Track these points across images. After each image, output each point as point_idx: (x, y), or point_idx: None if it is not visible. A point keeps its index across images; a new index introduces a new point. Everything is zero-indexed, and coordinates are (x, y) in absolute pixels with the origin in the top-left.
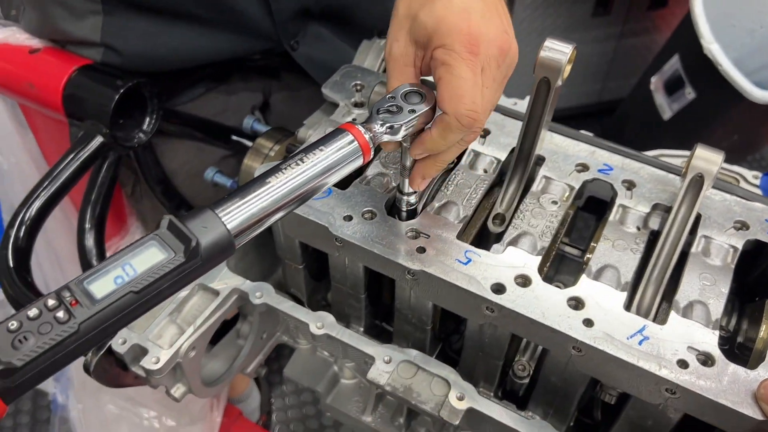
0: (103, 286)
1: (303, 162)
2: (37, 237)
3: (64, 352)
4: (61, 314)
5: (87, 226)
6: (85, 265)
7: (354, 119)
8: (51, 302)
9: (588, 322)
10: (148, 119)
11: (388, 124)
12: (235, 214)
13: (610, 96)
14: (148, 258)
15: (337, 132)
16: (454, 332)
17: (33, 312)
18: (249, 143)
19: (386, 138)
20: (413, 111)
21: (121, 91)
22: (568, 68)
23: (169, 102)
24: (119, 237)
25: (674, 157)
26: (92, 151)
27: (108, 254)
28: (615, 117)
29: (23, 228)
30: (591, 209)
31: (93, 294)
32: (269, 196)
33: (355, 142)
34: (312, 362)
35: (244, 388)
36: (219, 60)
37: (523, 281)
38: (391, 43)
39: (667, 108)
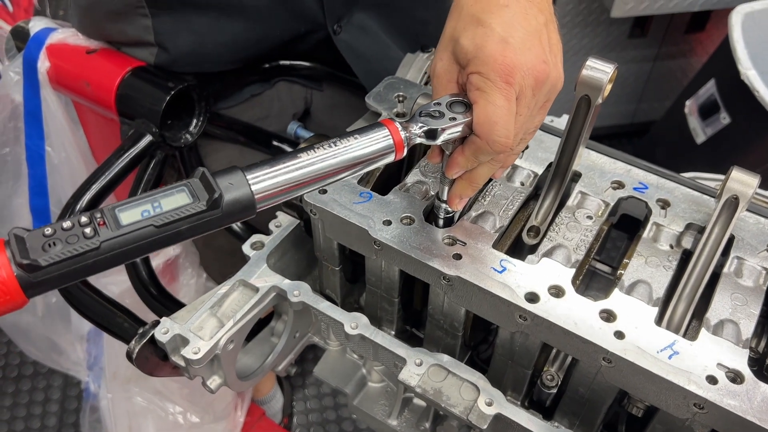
0: (131, 215)
1: (335, 145)
2: None
3: (83, 263)
4: (88, 230)
5: None
6: None
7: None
8: (83, 219)
9: (619, 335)
10: (195, 121)
11: (426, 127)
12: (261, 179)
13: (643, 117)
14: (175, 201)
15: (376, 125)
16: (483, 341)
17: (67, 224)
18: (289, 149)
19: (421, 140)
20: (454, 119)
21: (172, 92)
22: (609, 87)
23: (215, 105)
24: None
25: (709, 180)
26: (141, 149)
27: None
28: (647, 139)
29: None
30: (624, 227)
31: (120, 220)
32: (297, 169)
33: (390, 138)
34: (341, 364)
35: (269, 390)
36: (265, 50)
37: (557, 292)
38: (436, 60)
39: (700, 132)
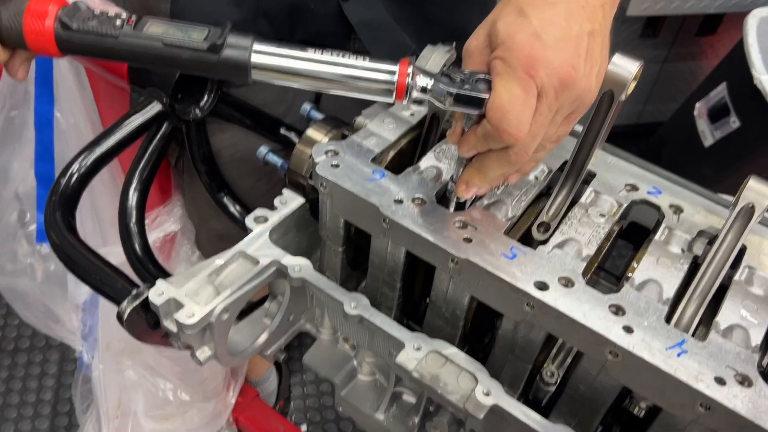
0: (155, 28)
1: (343, 57)
2: (84, 190)
3: (100, 43)
4: (118, 22)
5: (132, 187)
6: (123, 225)
7: (412, 114)
8: (124, 15)
9: (628, 329)
10: (206, 97)
11: (437, 85)
12: (264, 53)
13: (650, 118)
14: (190, 34)
15: (391, 61)
16: (483, 336)
17: (111, 13)
18: (296, 139)
19: (426, 97)
20: (469, 90)
21: None
22: (633, 85)
23: (226, 84)
24: (162, 206)
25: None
26: (149, 118)
27: (148, 223)
28: (653, 140)
29: (73, 178)
30: (631, 236)
31: (145, 27)
32: (299, 60)
33: (394, 77)
34: (332, 354)
35: (264, 371)
36: (274, 15)
37: (566, 282)
38: (471, 38)
39: (709, 135)
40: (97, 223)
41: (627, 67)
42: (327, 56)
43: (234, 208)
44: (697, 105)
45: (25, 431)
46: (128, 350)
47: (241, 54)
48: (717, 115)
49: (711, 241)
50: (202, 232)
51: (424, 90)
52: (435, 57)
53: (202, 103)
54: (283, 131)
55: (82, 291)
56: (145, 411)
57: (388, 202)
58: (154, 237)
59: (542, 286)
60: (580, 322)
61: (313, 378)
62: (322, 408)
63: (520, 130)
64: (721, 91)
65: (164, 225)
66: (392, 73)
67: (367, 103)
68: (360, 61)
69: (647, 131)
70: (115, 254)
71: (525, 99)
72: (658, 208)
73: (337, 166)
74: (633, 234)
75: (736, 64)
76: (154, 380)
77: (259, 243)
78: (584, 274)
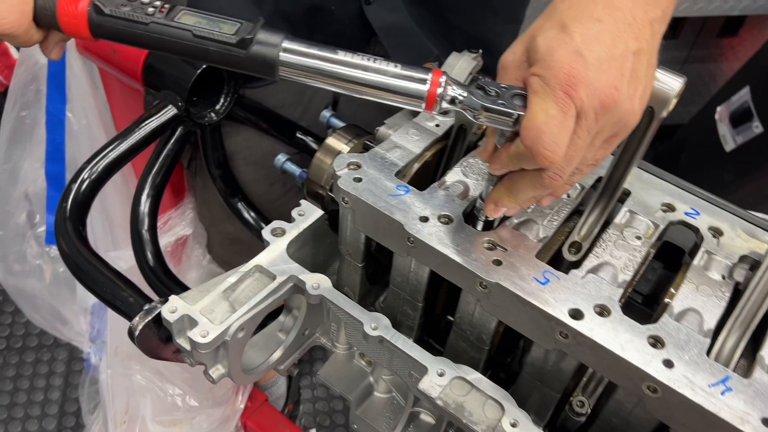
0: (187, 18)
1: (373, 62)
2: (96, 196)
3: (131, 30)
4: (150, 10)
5: (144, 193)
6: (135, 232)
7: (438, 125)
8: (157, 3)
9: (668, 363)
10: (222, 100)
11: (470, 97)
12: (295, 51)
13: (668, 121)
14: (221, 27)
15: (424, 69)
16: (508, 358)
17: (146, 0)
18: (313, 144)
19: (457, 108)
20: (503, 105)
21: (202, 68)
22: (674, 102)
23: (243, 84)
24: (174, 209)
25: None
26: (164, 121)
27: (159, 226)
28: (672, 142)
29: (85, 184)
30: (663, 256)
31: (177, 16)
32: (328, 62)
33: (426, 86)
34: (347, 370)
35: (273, 374)
36: (293, 14)
37: (602, 310)
38: (508, 52)
39: (730, 139)
40: (107, 225)
41: (670, 83)
42: (358, 59)
43: (248, 215)
44: (719, 109)
45: (32, 431)
46: (136, 354)
47: (270, 51)
48: (739, 119)
49: (753, 267)
50: (214, 234)
51: (453, 101)
52: (461, 64)
53: (218, 107)
54: (299, 135)
55: (90, 294)
56: (153, 416)
57: (413, 219)
58: (165, 241)
59: (577, 315)
60: (617, 355)
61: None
62: (331, 412)
63: (555, 152)
64: (744, 95)
65: (176, 228)
66: (424, 81)
67: (387, 107)
68: (391, 67)
69: (666, 134)
70: (125, 258)
71: (562, 120)
72: (696, 230)
73: (359, 179)
74: (665, 253)
75: (760, 68)
76: (163, 385)
77: (276, 257)
78: (620, 299)
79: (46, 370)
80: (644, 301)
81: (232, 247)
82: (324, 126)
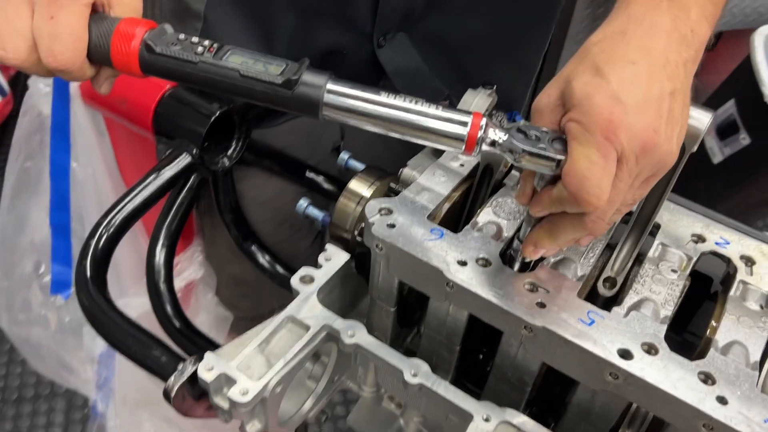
0: (235, 58)
1: (415, 103)
2: (114, 251)
3: (180, 68)
4: (200, 49)
5: (159, 244)
6: (152, 285)
7: (462, 164)
8: (206, 42)
9: (721, 400)
10: (234, 145)
11: (512, 140)
12: (338, 93)
13: None
14: (271, 68)
15: (464, 112)
16: (549, 396)
17: (194, 39)
18: (325, 184)
19: (497, 151)
20: (543, 149)
21: (217, 114)
22: (703, 136)
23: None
24: (183, 253)
25: None
26: (179, 170)
27: (175, 273)
28: None
29: (103, 239)
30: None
31: (225, 56)
32: (371, 104)
33: (466, 129)
34: (376, 413)
35: None
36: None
37: (649, 348)
38: (542, 95)
39: (718, 151)
40: (113, 272)
41: (701, 119)
42: (400, 101)
43: (263, 259)
44: None
45: None
46: (144, 401)
47: (314, 92)
48: (726, 131)
49: None
50: (222, 275)
51: (493, 144)
52: (477, 101)
53: (230, 152)
54: (309, 175)
55: (98, 343)
56: None
57: (451, 264)
58: (176, 286)
59: (626, 355)
60: (671, 394)
61: (329, 414)
62: None
63: (600, 198)
64: (729, 108)
65: (185, 273)
66: (464, 124)
67: (394, 145)
68: (432, 109)
69: None
70: (134, 305)
71: (605, 166)
72: (728, 260)
73: (393, 225)
74: (693, 282)
75: (744, 81)
76: None
77: (307, 306)
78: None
79: (44, 421)
80: (675, 330)
81: (238, 289)
82: (341, 168)
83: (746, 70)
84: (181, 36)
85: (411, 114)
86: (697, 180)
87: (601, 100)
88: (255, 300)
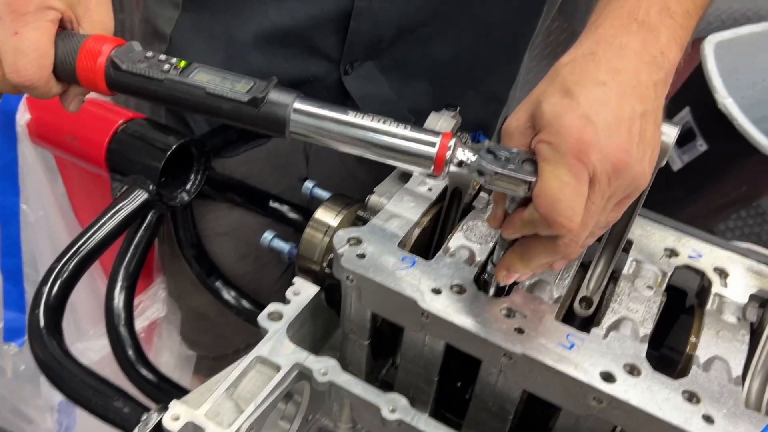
0: (201, 76)
1: (383, 123)
2: (69, 297)
3: (146, 86)
4: (165, 67)
5: (117, 287)
6: (113, 330)
7: (430, 188)
8: (173, 60)
9: (708, 419)
10: (193, 178)
11: (481, 161)
12: (306, 112)
13: None
14: (235, 86)
15: (432, 132)
16: (533, 423)
17: (161, 57)
18: (290, 213)
19: (465, 172)
20: (512, 170)
21: (173, 147)
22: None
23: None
24: (145, 293)
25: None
26: (135, 208)
27: (137, 312)
28: None
29: (57, 286)
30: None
31: (191, 74)
32: (338, 123)
33: (434, 149)
34: None
35: None
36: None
37: (631, 369)
38: (511, 119)
39: (677, 159)
40: (70, 315)
41: (668, 133)
42: (367, 121)
43: (228, 294)
44: None
45: None
46: None
47: (281, 111)
48: (683, 139)
49: (762, 305)
50: (182, 308)
51: (461, 164)
52: (441, 123)
53: (189, 186)
54: (273, 204)
55: (56, 391)
56: None
57: (425, 293)
58: (138, 326)
59: (609, 377)
60: (657, 416)
61: None
62: None
63: (572, 220)
64: (685, 116)
65: (147, 312)
66: (433, 144)
67: (357, 169)
68: (401, 129)
69: None
70: (94, 348)
71: (576, 186)
72: (702, 273)
73: (363, 255)
74: (670, 297)
75: (697, 89)
76: None
77: (277, 344)
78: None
79: None
80: (652, 345)
81: (200, 324)
82: (306, 197)
83: (699, 77)
84: (149, 53)
85: (379, 134)
86: (659, 187)
87: (571, 121)
88: (216, 336)
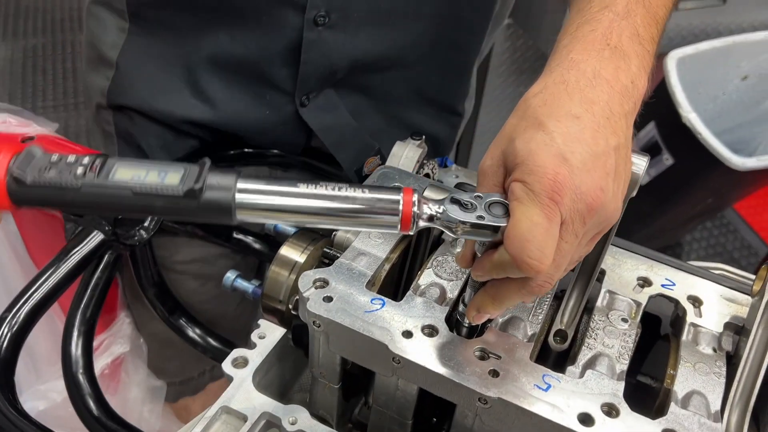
0: (123, 173)
1: (339, 190)
2: (21, 348)
3: (61, 197)
4: (80, 171)
5: (74, 332)
6: (70, 378)
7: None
8: (86, 160)
9: None
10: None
11: (448, 213)
12: (250, 192)
13: None
14: (167, 177)
15: (393, 188)
16: None
17: (70, 159)
18: (255, 244)
19: (435, 225)
20: (482, 218)
21: None
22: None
23: None
24: (107, 331)
25: (733, 274)
26: (91, 249)
27: (102, 349)
28: None
29: (8, 338)
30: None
31: (111, 173)
32: (289, 197)
33: (399, 207)
34: None
35: None
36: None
37: (609, 410)
38: (486, 157)
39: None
40: (28, 358)
41: (639, 164)
42: (320, 190)
43: (193, 332)
44: None
45: None
46: None
47: (224, 195)
48: (649, 153)
49: (737, 332)
50: (146, 337)
51: (431, 219)
52: (407, 153)
53: (147, 223)
54: (237, 236)
55: None
56: None
57: (395, 336)
58: (102, 363)
59: (586, 420)
60: None
61: None
62: None
63: (542, 261)
64: (650, 131)
65: (112, 348)
66: (396, 202)
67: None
68: (359, 193)
69: None
70: (57, 390)
71: (547, 228)
72: (676, 302)
73: (330, 298)
74: (644, 324)
75: (662, 104)
76: None
77: (243, 393)
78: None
79: None
80: (628, 373)
81: (165, 351)
82: (270, 233)
83: (663, 92)
84: (54, 157)
85: (336, 202)
86: (627, 203)
87: (545, 160)
88: (182, 361)
